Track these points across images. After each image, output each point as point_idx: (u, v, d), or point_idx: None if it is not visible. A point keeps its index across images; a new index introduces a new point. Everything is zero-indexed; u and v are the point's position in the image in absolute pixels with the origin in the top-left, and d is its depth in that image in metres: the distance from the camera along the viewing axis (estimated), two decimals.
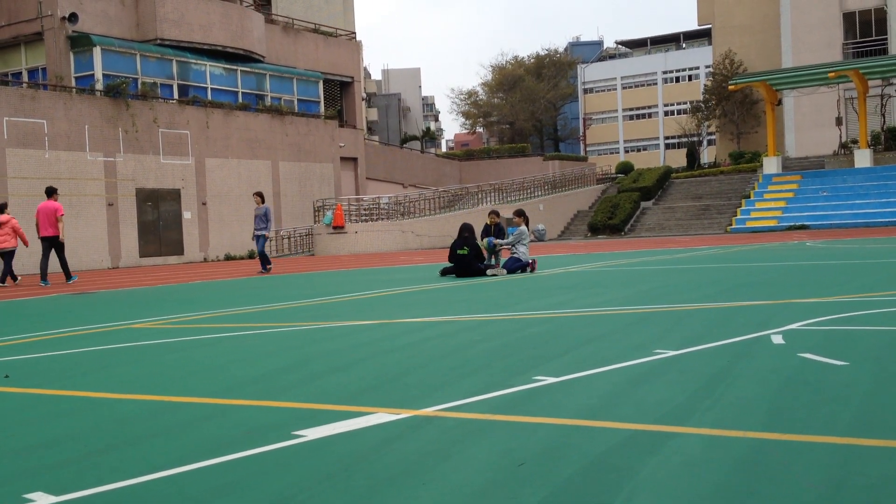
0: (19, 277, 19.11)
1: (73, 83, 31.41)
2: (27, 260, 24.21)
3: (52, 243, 17.69)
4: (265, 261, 19.70)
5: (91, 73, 31.62)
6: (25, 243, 18.32)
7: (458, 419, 3.83)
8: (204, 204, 33.79)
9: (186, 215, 33.27)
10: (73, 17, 31.39)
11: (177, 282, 17.74)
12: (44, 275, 17.94)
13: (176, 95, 34.11)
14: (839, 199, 37.98)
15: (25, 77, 32.76)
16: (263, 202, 19.42)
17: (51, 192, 18.00)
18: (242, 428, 3.83)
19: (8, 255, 17.90)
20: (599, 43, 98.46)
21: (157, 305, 11.72)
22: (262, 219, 19.05)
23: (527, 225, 15.70)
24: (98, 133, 30.25)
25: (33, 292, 15.67)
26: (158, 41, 33.74)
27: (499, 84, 77.26)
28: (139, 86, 32.65)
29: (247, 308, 10.35)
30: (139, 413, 4.33)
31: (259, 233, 19.12)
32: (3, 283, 17.86)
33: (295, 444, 3.47)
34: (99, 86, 31.20)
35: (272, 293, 13.16)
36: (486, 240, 15.32)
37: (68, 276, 18.13)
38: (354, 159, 42.60)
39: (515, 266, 15.09)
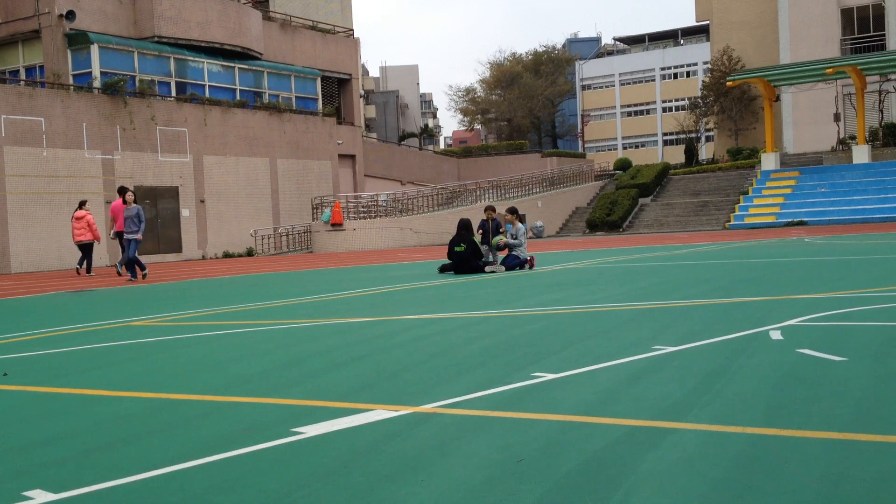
0: (93, 272, 21.16)
1: (71, 81, 31.37)
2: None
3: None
4: (139, 266, 17.47)
5: (89, 70, 31.58)
6: (97, 238, 20.62)
7: (457, 416, 3.83)
8: (202, 201, 33.78)
9: (184, 213, 33.25)
10: (70, 15, 31.34)
11: (175, 279, 17.73)
12: (136, 266, 19.52)
13: (174, 93, 34.08)
14: (837, 194, 37.98)
15: (23, 75, 32.71)
16: (135, 201, 17.45)
17: (123, 191, 19.56)
18: (241, 425, 3.83)
19: (86, 248, 20.50)
20: (597, 39, 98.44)
21: (154, 303, 11.72)
22: (135, 220, 17.00)
23: (520, 221, 15.61)
24: (96, 131, 30.21)
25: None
26: (156, 38, 33.69)
27: (497, 81, 77.18)
28: (137, 83, 32.61)
29: (245, 305, 10.35)
30: (138, 410, 4.33)
31: (131, 236, 16.99)
32: (90, 272, 20.57)
33: (294, 441, 3.47)
34: (97, 83, 31.16)
35: (271, 291, 13.17)
36: (495, 239, 15.21)
37: (121, 266, 19.54)
38: (352, 156, 42.57)
39: (514, 263, 15.08)
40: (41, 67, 32.30)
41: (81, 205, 21.07)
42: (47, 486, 3.00)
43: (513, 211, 15.66)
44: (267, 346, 6.58)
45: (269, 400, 4.38)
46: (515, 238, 15.17)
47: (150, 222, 31.99)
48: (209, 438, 3.60)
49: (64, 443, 3.66)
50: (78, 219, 20.50)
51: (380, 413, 3.92)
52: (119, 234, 19.28)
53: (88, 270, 20.65)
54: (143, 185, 31.73)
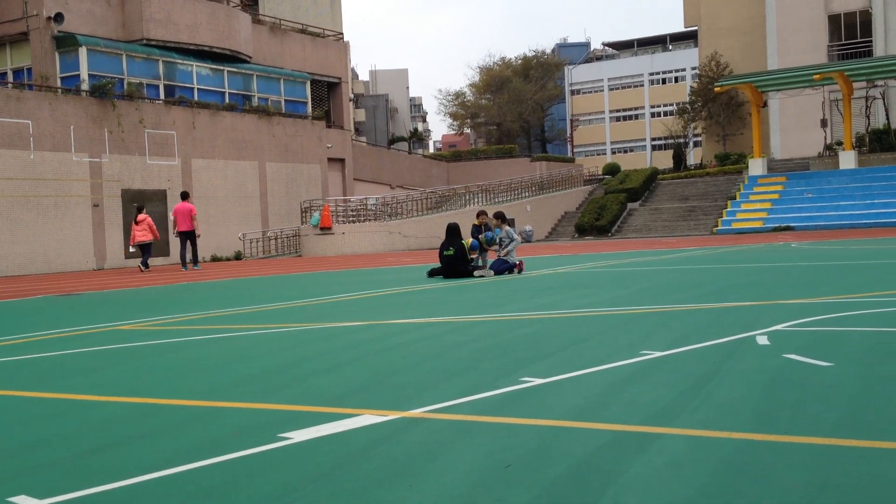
0: (149, 268, 22.94)
1: (59, 83, 31.22)
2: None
3: (188, 237, 22.34)
4: None
5: (77, 73, 31.43)
6: (156, 237, 22.57)
7: (446, 421, 3.83)
8: None
9: (173, 216, 33.11)
10: (58, 17, 31.20)
11: (163, 283, 17.67)
12: (184, 262, 22.78)
13: (162, 96, 33.96)
14: (824, 200, 38.19)
15: (10, 77, 32.53)
16: None
17: (185, 196, 22.63)
18: (229, 430, 3.82)
19: (147, 247, 22.37)
20: (586, 44, 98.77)
21: (143, 307, 11.67)
22: None
23: (508, 225, 15.62)
24: (84, 134, 30.08)
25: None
26: (145, 41, 33.58)
27: (486, 85, 77.28)
28: (125, 86, 32.48)
29: (234, 310, 10.32)
30: (126, 415, 4.31)
31: None
32: (147, 267, 22.41)
33: (282, 447, 3.46)
34: (85, 86, 31.02)
35: (260, 295, 13.13)
36: (483, 235, 15.15)
37: (196, 262, 22.66)
38: (342, 160, 42.52)
39: (503, 267, 15.09)
40: (29, 70, 32.14)
41: (140, 209, 23.13)
42: (33, 491, 2.98)
43: (498, 215, 15.64)
44: (255, 351, 6.57)
45: (257, 405, 4.38)
46: (508, 240, 15.19)
47: None
48: (197, 443, 3.59)
49: (50, 447, 3.64)
50: (139, 222, 22.33)
51: (368, 418, 3.91)
52: (181, 234, 22.29)
53: (146, 264, 22.55)
54: (131, 189, 31.61)
